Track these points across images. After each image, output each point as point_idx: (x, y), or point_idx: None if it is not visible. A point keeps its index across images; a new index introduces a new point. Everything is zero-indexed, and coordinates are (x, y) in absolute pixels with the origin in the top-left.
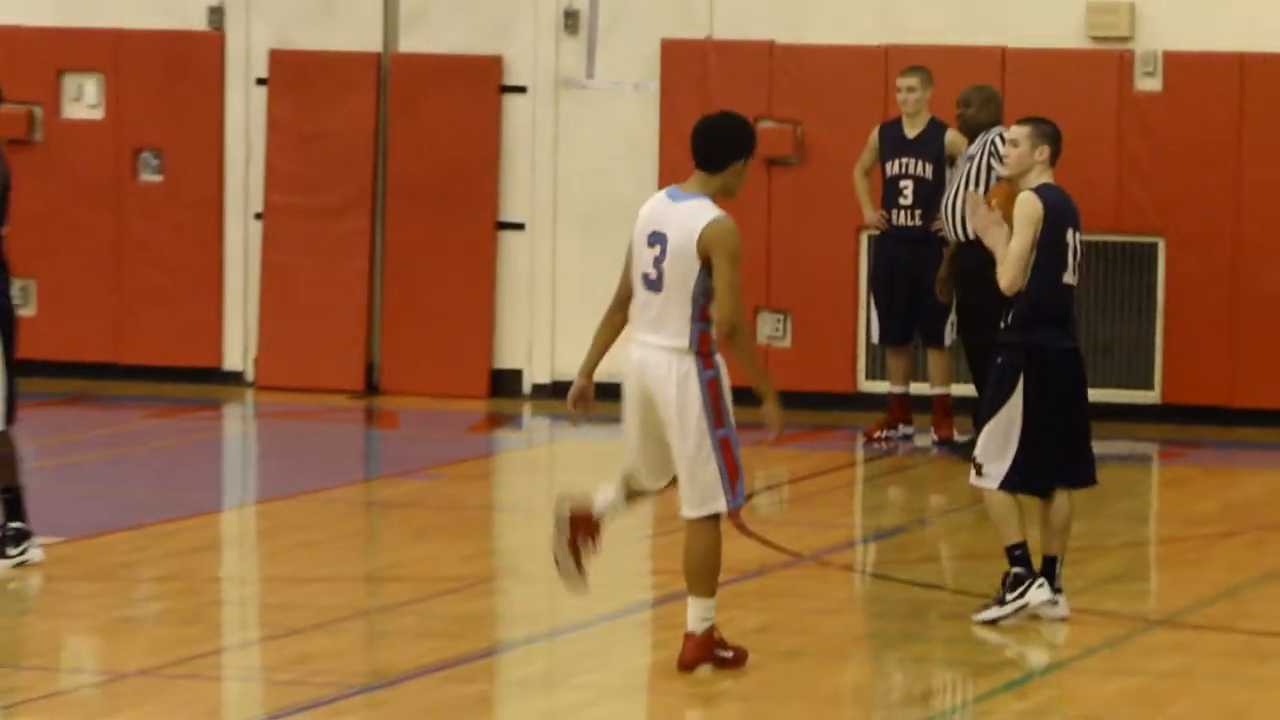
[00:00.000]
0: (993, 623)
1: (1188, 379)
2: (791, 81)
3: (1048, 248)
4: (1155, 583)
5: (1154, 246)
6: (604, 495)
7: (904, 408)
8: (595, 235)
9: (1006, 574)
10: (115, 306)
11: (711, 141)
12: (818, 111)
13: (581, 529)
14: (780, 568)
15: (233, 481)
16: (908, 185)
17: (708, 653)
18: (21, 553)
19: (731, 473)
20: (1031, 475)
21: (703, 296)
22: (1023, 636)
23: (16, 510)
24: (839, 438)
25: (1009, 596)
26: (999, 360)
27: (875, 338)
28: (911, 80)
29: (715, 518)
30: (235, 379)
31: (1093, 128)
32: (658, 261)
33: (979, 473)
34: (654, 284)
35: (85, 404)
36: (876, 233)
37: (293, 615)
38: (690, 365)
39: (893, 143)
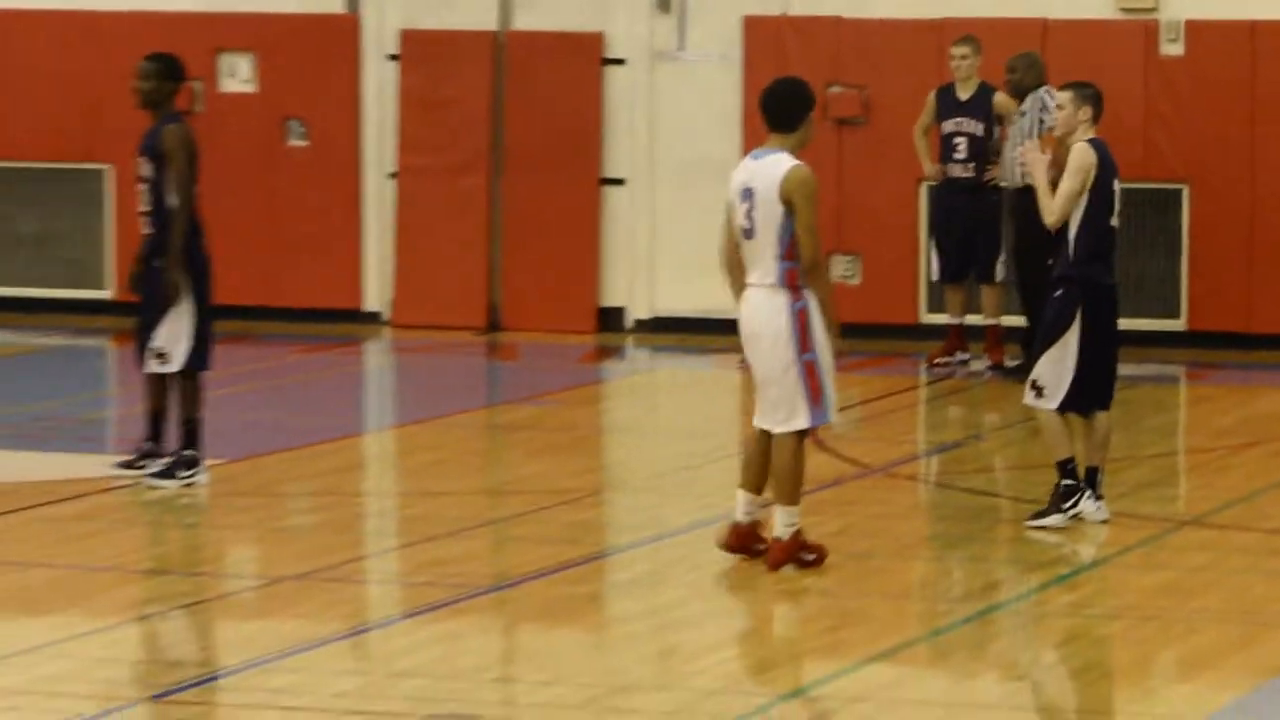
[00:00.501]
0: (1045, 528)
1: (1210, 308)
2: (857, 51)
3: (1098, 194)
4: (1184, 488)
5: (1179, 192)
6: (741, 504)
7: (961, 337)
8: (687, 188)
9: (1058, 485)
10: (268, 256)
11: (781, 105)
12: (881, 77)
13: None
14: (853, 478)
15: (372, 409)
16: (961, 141)
17: (792, 555)
18: (190, 475)
19: (814, 392)
20: (1083, 397)
21: (788, 237)
22: (1069, 536)
23: (192, 439)
24: (904, 364)
25: (1065, 506)
26: (1058, 293)
27: (935, 276)
28: (964, 49)
29: (799, 433)
30: (373, 319)
31: (1123, 89)
32: (749, 213)
33: (1039, 394)
34: (749, 233)
35: (243, 342)
36: (934, 183)
37: (426, 525)
38: (781, 298)
39: (947, 104)
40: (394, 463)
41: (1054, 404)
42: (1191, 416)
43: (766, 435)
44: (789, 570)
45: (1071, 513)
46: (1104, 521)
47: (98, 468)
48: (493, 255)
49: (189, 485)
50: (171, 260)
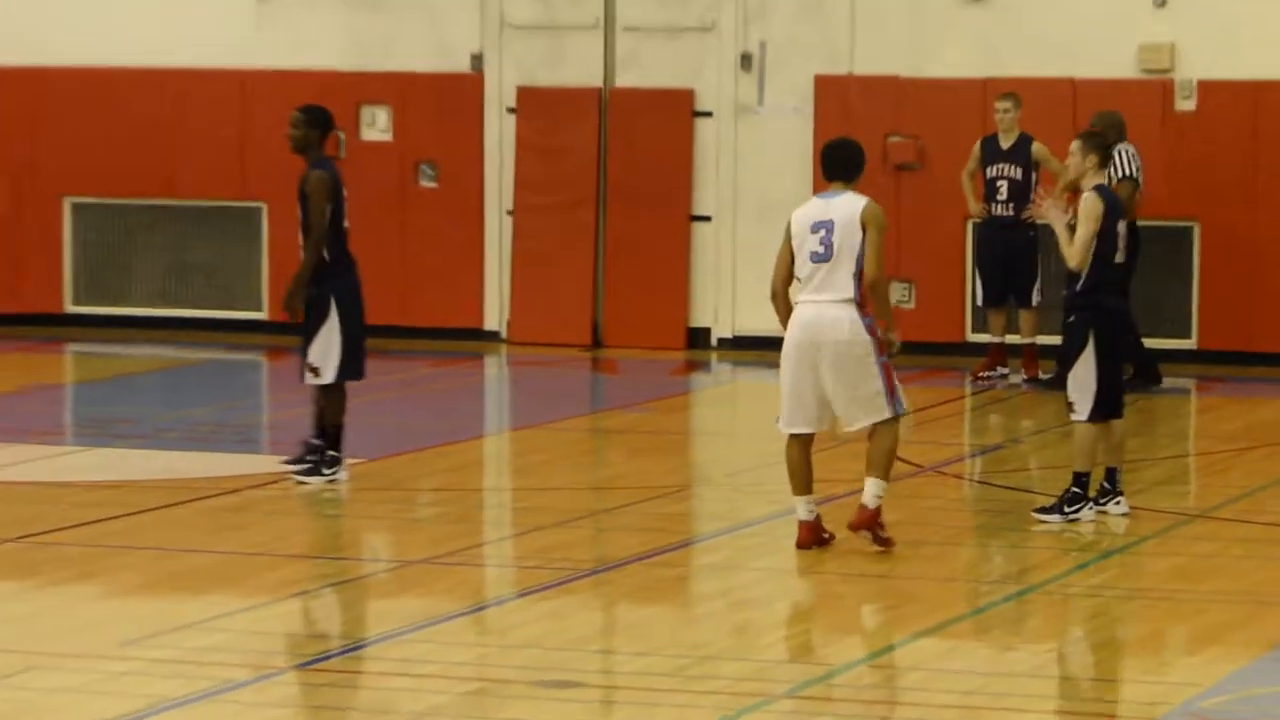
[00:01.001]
0: (1044, 522)
1: (1217, 329)
2: (913, 106)
3: (1104, 237)
4: (1193, 486)
5: (1191, 229)
6: (802, 507)
7: (1001, 354)
8: (764, 224)
9: (1068, 490)
10: (402, 282)
11: (848, 160)
12: (934, 128)
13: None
14: (908, 476)
15: (490, 415)
16: (1003, 184)
17: (874, 523)
18: (333, 474)
19: (890, 388)
20: (1104, 406)
21: (860, 260)
22: (1093, 528)
23: (336, 441)
24: (951, 377)
25: (1067, 510)
26: (1071, 319)
27: (979, 300)
28: (1006, 103)
29: (894, 419)
30: (492, 336)
31: (1142, 139)
32: (825, 240)
33: (1071, 410)
34: (823, 257)
35: (379, 357)
36: (979, 221)
37: (536, 516)
38: (856, 312)
39: (991, 152)
40: (509, 462)
41: (1084, 416)
42: (1200, 423)
43: (807, 443)
44: (865, 543)
45: (1071, 517)
46: (1124, 515)
47: (254, 465)
48: (597, 281)
49: (332, 481)
50: (295, 286)
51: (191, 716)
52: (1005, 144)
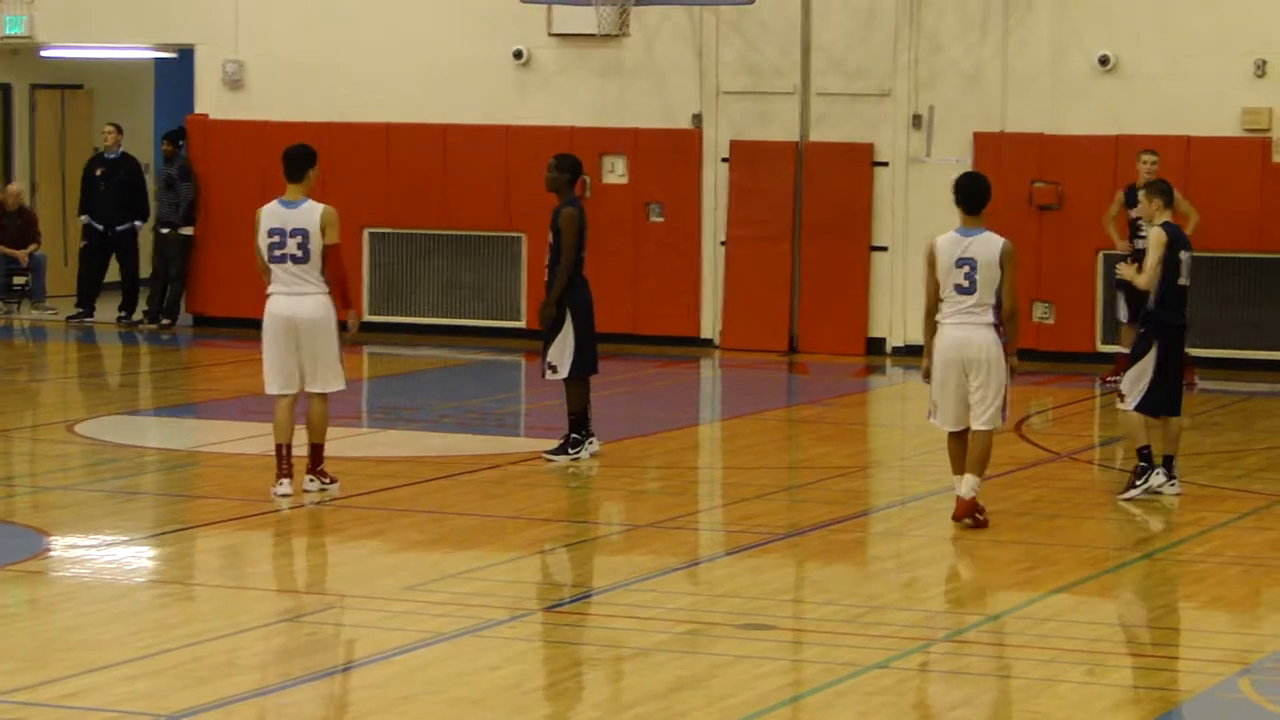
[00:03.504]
0: (1129, 499)
1: None
2: (1054, 157)
3: (1169, 264)
4: None
5: None
6: (964, 484)
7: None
8: None
9: (1136, 466)
10: (633, 298)
11: (980, 195)
12: (1071, 176)
13: (970, 512)
14: (1046, 461)
15: (705, 407)
16: (1143, 224)
17: (974, 511)
18: (577, 453)
19: (1007, 402)
20: (1158, 404)
21: (998, 292)
22: (1197, 505)
23: (578, 426)
24: (1083, 380)
25: (1138, 482)
26: (1142, 331)
27: (1123, 318)
28: (1152, 157)
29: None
30: (707, 343)
31: (1244, 186)
32: (969, 275)
33: (1122, 399)
34: (968, 290)
35: (615, 360)
36: (1125, 254)
37: (740, 489)
38: (994, 335)
39: (1133, 197)
40: (720, 445)
41: (1132, 405)
42: None
43: (963, 435)
44: (1008, 519)
45: (1144, 486)
46: (1176, 495)
47: (513, 446)
48: (793, 299)
49: (575, 460)
50: (550, 299)
51: (459, 648)
52: None
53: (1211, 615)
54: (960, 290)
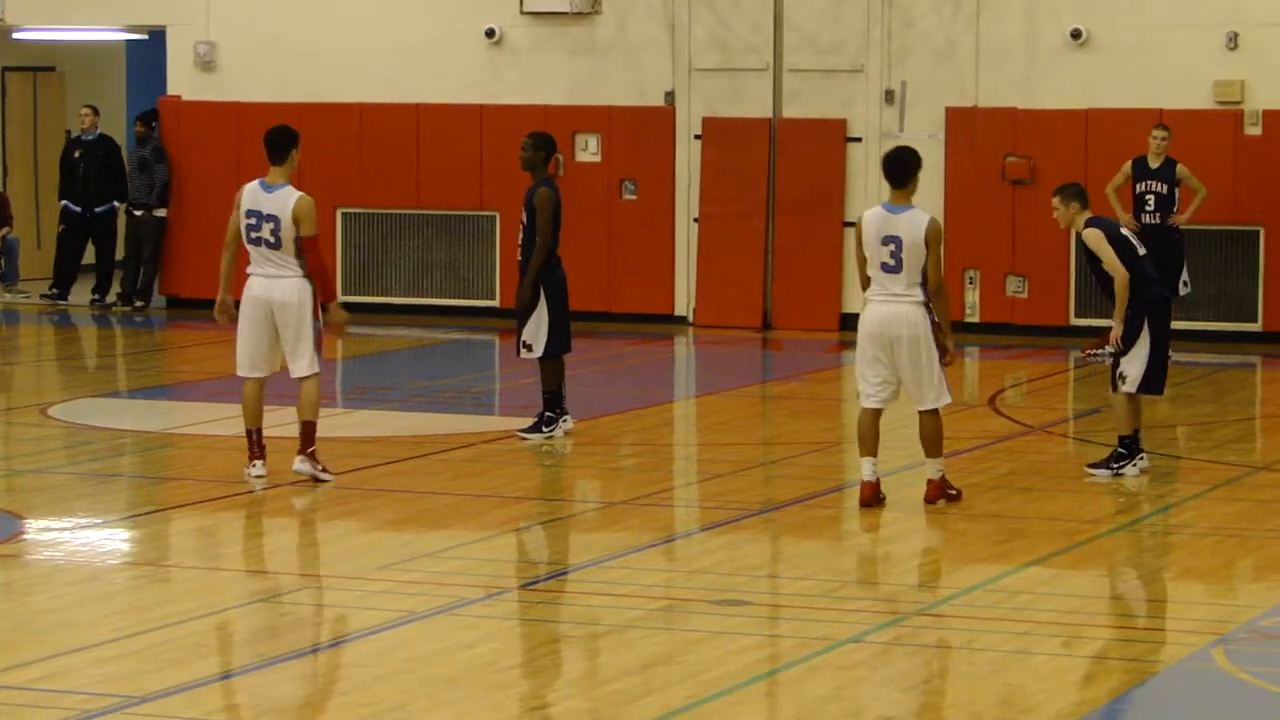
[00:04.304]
0: (1094, 478)
1: (1279, 314)
2: (1027, 132)
3: (1118, 246)
4: (1258, 444)
5: (1257, 232)
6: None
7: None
8: None
9: (1115, 450)
10: (607, 275)
11: (905, 169)
12: (1044, 150)
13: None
14: (1019, 435)
15: (679, 384)
16: (1151, 198)
17: (944, 491)
18: (550, 430)
19: (943, 379)
20: (1153, 382)
21: (923, 269)
22: (1171, 478)
23: (552, 404)
24: (1057, 354)
25: (1114, 465)
26: (1131, 310)
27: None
28: (1163, 132)
29: (939, 408)
30: (681, 320)
31: (1218, 158)
32: (895, 254)
33: (1123, 380)
34: (894, 268)
35: (589, 338)
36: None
37: (713, 465)
38: (923, 311)
39: (1141, 171)
40: (694, 422)
41: (1133, 389)
42: (1265, 393)
43: (878, 413)
44: (981, 491)
45: (1118, 472)
46: (1145, 470)
47: (487, 425)
48: (766, 275)
49: (549, 438)
50: (527, 280)
51: (434, 627)
52: (1154, 164)
53: (1185, 586)
54: (886, 269)
